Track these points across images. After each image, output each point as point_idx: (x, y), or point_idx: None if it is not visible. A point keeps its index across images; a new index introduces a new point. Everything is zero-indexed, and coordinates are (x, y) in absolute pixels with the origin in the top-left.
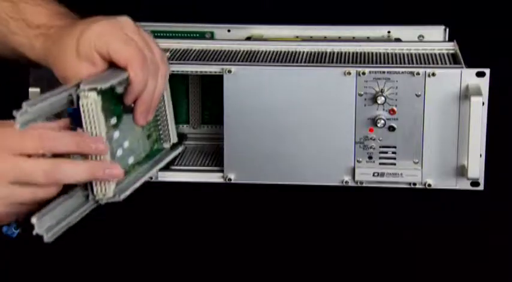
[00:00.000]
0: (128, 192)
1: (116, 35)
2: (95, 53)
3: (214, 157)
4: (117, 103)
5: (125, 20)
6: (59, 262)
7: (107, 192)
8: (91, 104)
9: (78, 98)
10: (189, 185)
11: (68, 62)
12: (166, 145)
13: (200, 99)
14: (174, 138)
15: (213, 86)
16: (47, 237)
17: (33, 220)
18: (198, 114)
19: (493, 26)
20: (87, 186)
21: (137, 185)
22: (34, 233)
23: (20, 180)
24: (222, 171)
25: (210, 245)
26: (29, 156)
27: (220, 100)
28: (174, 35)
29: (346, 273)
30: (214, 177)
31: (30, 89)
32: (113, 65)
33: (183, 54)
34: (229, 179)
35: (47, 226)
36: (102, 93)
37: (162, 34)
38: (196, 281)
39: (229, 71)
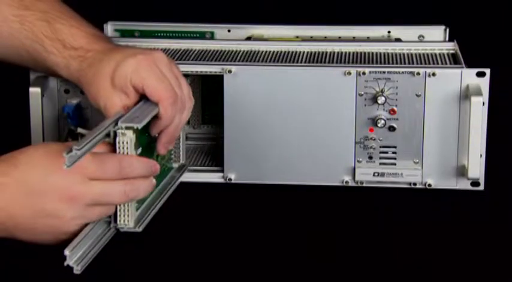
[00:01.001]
0: (145, 223)
1: (151, 72)
2: (130, 86)
3: (214, 157)
4: (144, 133)
5: (160, 56)
6: (59, 262)
7: (129, 223)
8: (127, 142)
9: (115, 134)
10: (189, 185)
11: (102, 89)
12: (175, 165)
13: (200, 99)
14: (183, 159)
15: (213, 86)
16: (76, 270)
17: (66, 252)
18: (198, 114)
19: (493, 26)
20: (110, 215)
21: (152, 214)
22: (65, 264)
23: (97, 202)
24: (222, 171)
25: (209, 245)
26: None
27: (220, 100)
28: (174, 35)
29: (346, 273)
30: (214, 177)
31: (30, 89)
32: (144, 97)
33: (183, 54)
34: (229, 179)
35: (77, 257)
36: (135, 131)
37: (162, 34)
38: (195, 281)
39: (229, 71)
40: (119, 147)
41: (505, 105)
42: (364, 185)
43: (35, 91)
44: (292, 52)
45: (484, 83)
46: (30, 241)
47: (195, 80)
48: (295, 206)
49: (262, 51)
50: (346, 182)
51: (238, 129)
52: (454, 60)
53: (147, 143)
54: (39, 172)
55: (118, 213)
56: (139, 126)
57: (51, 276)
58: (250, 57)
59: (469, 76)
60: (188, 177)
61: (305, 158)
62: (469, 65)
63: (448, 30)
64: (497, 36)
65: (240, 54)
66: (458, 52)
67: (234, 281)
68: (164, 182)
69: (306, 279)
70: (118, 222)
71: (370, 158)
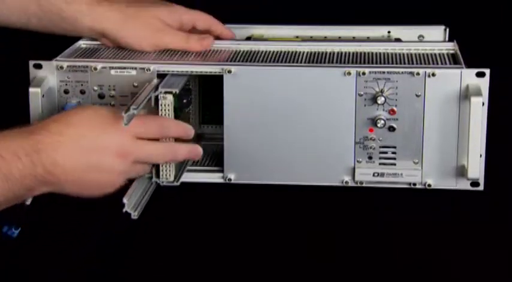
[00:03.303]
0: (182, 178)
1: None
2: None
3: (214, 157)
4: (176, 101)
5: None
6: (61, 263)
7: (170, 176)
8: (168, 104)
9: (157, 98)
10: (189, 185)
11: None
12: None
13: (200, 99)
14: (197, 128)
15: (213, 86)
16: (134, 215)
17: (125, 200)
18: (198, 114)
19: (493, 26)
20: (152, 172)
21: (185, 171)
22: (124, 210)
23: (141, 160)
24: (222, 171)
25: (209, 245)
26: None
27: (220, 100)
28: None
29: (346, 273)
30: (214, 177)
31: (30, 89)
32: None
33: (183, 54)
34: (229, 179)
35: (132, 205)
36: (174, 95)
37: None
38: (195, 281)
39: (229, 71)
40: (161, 109)
41: (505, 105)
42: (364, 185)
43: (35, 91)
44: (292, 52)
45: (484, 83)
46: (76, 194)
47: (195, 80)
48: (295, 206)
49: (262, 51)
50: (346, 182)
51: (238, 129)
52: (453, 60)
53: (179, 106)
54: (92, 130)
55: (161, 168)
56: (177, 90)
57: (51, 276)
58: (250, 57)
59: (468, 76)
60: (188, 177)
61: (305, 158)
62: (469, 65)
63: (448, 30)
64: (497, 36)
65: (240, 54)
66: (458, 52)
67: (234, 281)
68: None
69: (306, 279)
70: (161, 177)
71: (370, 158)
